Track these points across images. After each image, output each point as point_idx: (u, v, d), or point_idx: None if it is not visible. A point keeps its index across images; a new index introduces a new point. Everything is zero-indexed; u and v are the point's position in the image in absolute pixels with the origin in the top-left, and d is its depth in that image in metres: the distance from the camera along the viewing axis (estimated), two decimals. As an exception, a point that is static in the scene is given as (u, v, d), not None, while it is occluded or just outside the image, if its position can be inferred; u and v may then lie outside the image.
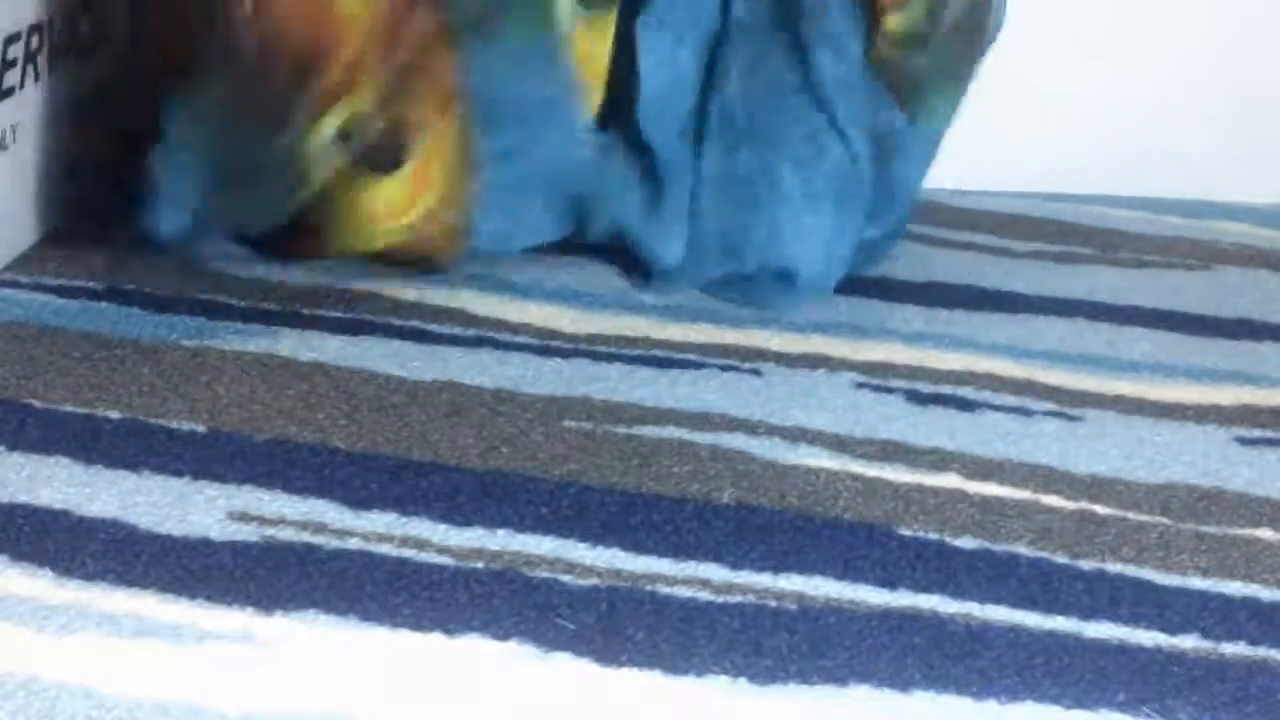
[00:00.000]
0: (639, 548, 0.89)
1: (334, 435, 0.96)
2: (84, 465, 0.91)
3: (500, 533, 0.89)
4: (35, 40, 1.08)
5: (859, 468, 0.97)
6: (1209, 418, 1.05)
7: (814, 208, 1.12)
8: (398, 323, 1.09)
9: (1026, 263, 1.25)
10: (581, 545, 0.88)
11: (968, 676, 0.81)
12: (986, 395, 1.05)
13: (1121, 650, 0.84)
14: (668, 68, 1.10)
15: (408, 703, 0.77)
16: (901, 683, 0.81)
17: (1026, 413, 1.04)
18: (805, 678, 0.80)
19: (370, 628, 0.82)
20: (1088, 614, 0.86)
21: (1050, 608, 0.86)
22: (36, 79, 1.09)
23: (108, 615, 0.81)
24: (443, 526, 0.89)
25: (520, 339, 1.08)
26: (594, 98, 1.11)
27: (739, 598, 0.85)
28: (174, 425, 0.95)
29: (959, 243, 1.26)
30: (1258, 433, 1.03)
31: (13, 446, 0.92)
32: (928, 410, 1.03)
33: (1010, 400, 1.05)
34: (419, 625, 0.82)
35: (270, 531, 0.88)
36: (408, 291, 1.12)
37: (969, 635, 0.84)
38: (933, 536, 0.91)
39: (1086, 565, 0.90)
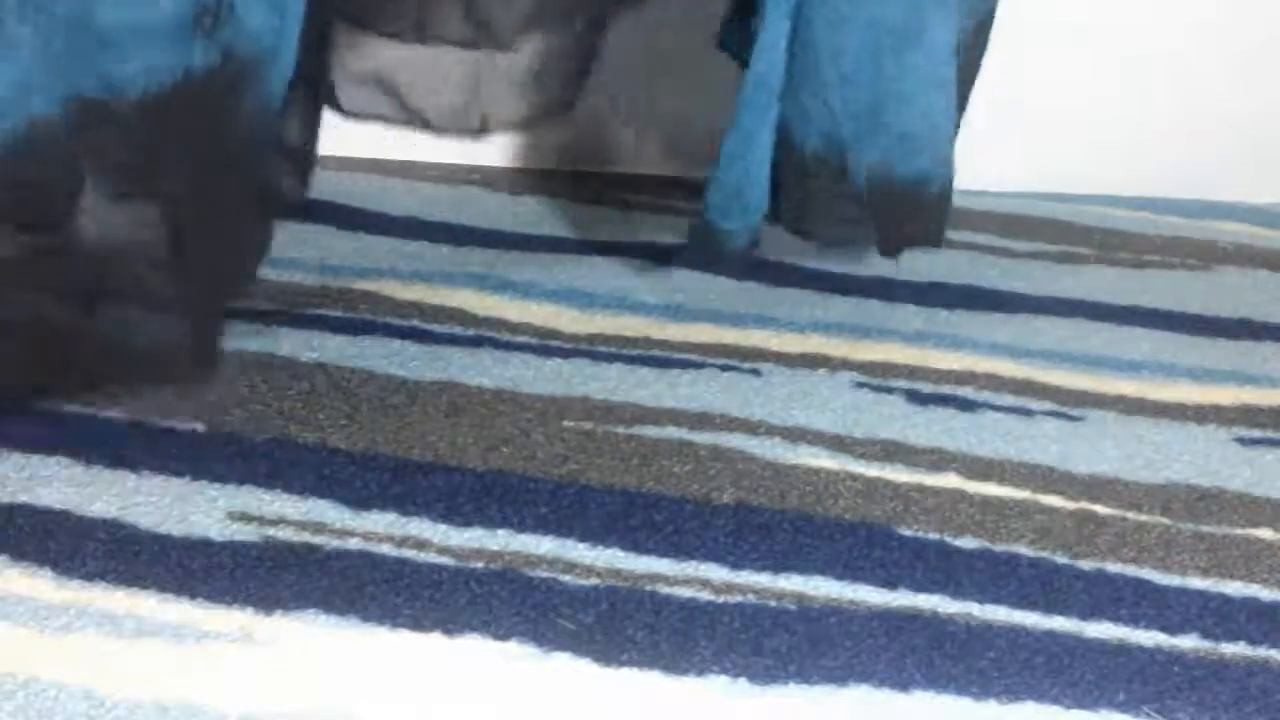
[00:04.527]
0: (639, 548, 0.89)
1: (334, 435, 0.96)
2: (84, 465, 0.91)
3: (500, 533, 0.89)
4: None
5: (859, 468, 0.97)
6: (1209, 418, 1.05)
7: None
8: (398, 323, 1.09)
9: (1026, 263, 1.24)
10: (581, 545, 0.88)
11: (968, 676, 0.81)
12: (986, 395, 1.05)
13: (1121, 650, 0.84)
14: None
15: (408, 703, 0.77)
16: (901, 683, 0.81)
17: (1026, 413, 1.04)
18: (805, 678, 0.80)
19: (370, 628, 0.82)
20: (1088, 614, 0.86)
21: (1050, 608, 0.86)
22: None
23: (108, 615, 0.81)
24: (443, 526, 0.89)
25: (520, 339, 1.08)
26: None
27: (739, 598, 0.85)
28: (174, 425, 0.95)
29: (959, 243, 1.26)
30: (1258, 433, 1.03)
31: (13, 446, 0.92)
32: (928, 410, 1.03)
33: (1010, 400, 1.05)
34: (419, 625, 0.82)
35: (270, 531, 0.88)
36: (408, 291, 1.12)
37: (969, 635, 0.84)
38: (933, 536, 0.91)
39: (1086, 565, 0.90)
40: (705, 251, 1.12)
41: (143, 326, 0.90)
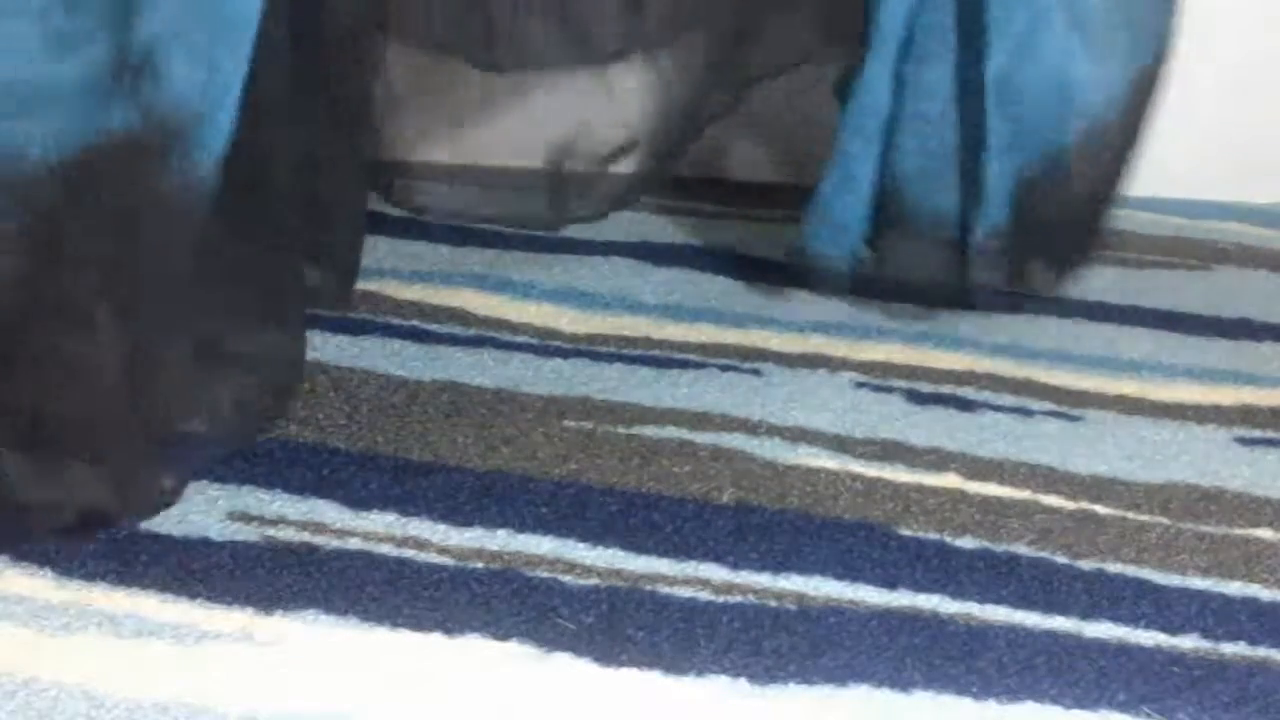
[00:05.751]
0: (639, 548, 0.89)
1: (334, 435, 0.96)
2: (84, 465, 0.91)
3: (500, 533, 0.89)
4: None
5: (859, 468, 0.97)
6: (1209, 418, 1.05)
7: None
8: (398, 323, 1.09)
9: (1026, 263, 1.24)
10: (581, 545, 0.88)
11: (968, 676, 0.81)
12: (986, 395, 1.05)
13: (1121, 650, 0.84)
14: None
15: (408, 703, 0.77)
16: (901, 683, 0.81)
17: (1026, 413, 1.04)
18: (805, 678, 0.80)
19: (370, 628, 0.82)
20: (1088, 614, 0.86)
21: (1050, 608, 0.86)
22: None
23: (108, 615, 0.81)
24: (443, 526, 0.89)
25: (520, 339, 1.08)
26: None
27: (739, 598, 0.85)
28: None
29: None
30: (1258, 433, 1.03)
31: (13, 446, 0.92)
32: (928, 410, 1.03)
33: (1010, 400, 1.05)
34: (419, 625, 0.82)
35: (270, 531, 0.88)
36: (408, 291, 1.12)
37: (969, 635, 0.84)
38: (933, 536, 0.91)
39: (1086, 565, 0.90)
40: (806, 277, 1.14)
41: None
